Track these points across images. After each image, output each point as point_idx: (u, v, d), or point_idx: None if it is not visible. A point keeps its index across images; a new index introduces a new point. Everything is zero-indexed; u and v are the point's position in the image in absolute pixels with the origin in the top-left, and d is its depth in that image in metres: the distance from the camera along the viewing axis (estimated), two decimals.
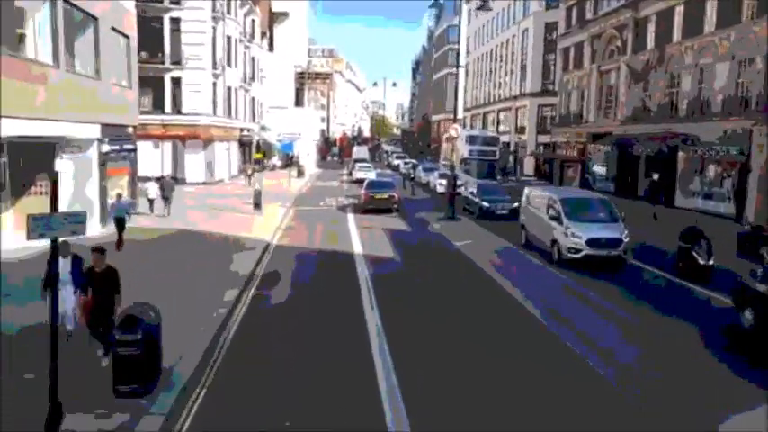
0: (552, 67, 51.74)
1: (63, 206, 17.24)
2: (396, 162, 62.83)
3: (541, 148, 50.89)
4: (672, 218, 24.15)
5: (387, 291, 13.33)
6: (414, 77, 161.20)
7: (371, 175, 43.11)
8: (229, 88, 42.04)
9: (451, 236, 20.81)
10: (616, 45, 36.91)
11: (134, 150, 23.77)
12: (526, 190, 20.74)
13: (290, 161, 58.53)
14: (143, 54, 35.48)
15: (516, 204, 24.06)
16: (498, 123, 63.67)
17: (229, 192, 34.14)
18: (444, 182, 34.27)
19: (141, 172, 27.32)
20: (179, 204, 25.60)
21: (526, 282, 14.54)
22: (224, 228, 21.29)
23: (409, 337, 10.37)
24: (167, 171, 36.14)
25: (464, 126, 74.94)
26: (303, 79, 68.86)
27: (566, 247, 15.97)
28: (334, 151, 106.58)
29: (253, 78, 51.58)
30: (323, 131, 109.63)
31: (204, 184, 36.81)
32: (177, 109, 36.19)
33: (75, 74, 17.93)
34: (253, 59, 51.63)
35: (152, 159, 35.38)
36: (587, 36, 40.66)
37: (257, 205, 25.15)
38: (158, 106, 36.21)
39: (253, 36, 51.28)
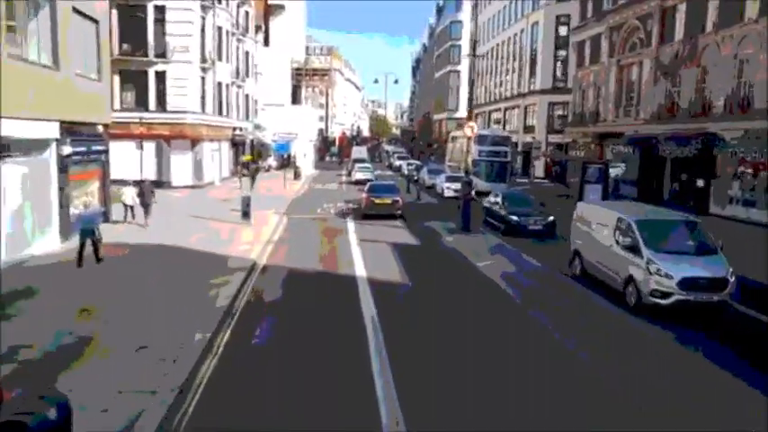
0: (564, 63, 48.93)
1: (5, 218, 14.42)
2: (397, 163, 59.98)
3: (551, 148, 48.07)
4: (715, 228, 21.31)
5: (400, 340, 10.23)
6: (414, 76, 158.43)
7: (371, 176, 42.36)
8: (220, 84, 39.17)
9: (470, 253, 17.91)
10: (638, 37, 34.05)
11: (105, 152, 20.90)
12: (579, 207, 16.76)
13: (286, 162, 55.70)
14: (125, 46, 32.71)
15: (552, 218, 21.20)
16: (505, 122, 60.81)
17: (218, 196, 31.24)
18: (453, 186, 31.68)
19: (123, 175, 24.82)
20: (160, 212, 22.77)
21: (602, 340, 10.40)
22: (206, 241, 18.45)
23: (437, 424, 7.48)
24: (151, 173, 33.30)
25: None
26: (300, 76, 65.97)
27: (648, 289, 11.95)
28: (333, 151, 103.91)
29: (246, 74, 48.69)
30: (321, 131, 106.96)
31: (192, 187, 33.93)
32: (162, 106, 33.31)
33: (23, 62, 15.06)
34: (246, 54, 48.73)
35: (134, 161, 32.47)
36: (605, 28, 37.81)
37: (246, 214, 22.28)
38: (142, 103, 33.32)
39: (247, 29, 48.38)
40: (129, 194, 22.31)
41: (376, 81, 67.40)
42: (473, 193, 26.98)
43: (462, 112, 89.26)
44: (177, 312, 11.01)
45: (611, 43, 37.03)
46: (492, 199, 24.21)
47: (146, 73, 33.01)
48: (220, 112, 39.58)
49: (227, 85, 41.45)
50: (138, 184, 23.53)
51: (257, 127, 50.31)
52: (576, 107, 42.79)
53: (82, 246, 14.69)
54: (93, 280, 13.31)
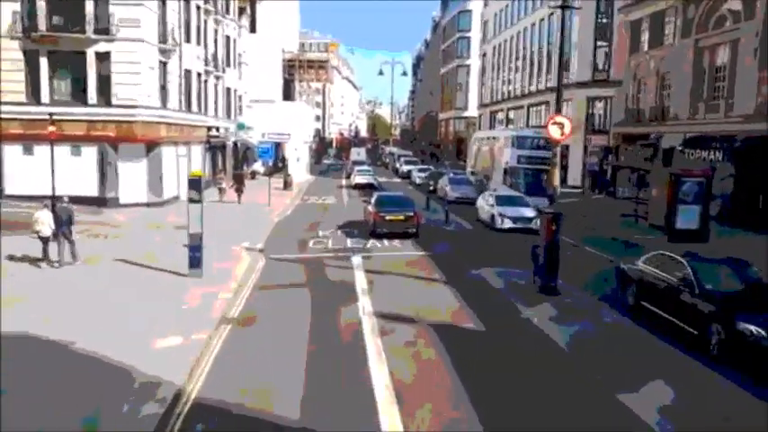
0: (606, 51, 41.05)
1: None
2: (405, 168, 51.89)
3: (598, 148, 40.03)
4: None
5: None
6: (414, 73, 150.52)
7: (372, 180, 40.03)
8: (188, 72, 31.17)
9: (600, 363, 9.53)
10: (729, 9, 26.19)
11: None
12: None
13: (277, 167, 47.76)
14: (56, 20, 24.71)
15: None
16: (528, 122, 52.86)
17: (178, 220, 23.27)
18: (513, 213, 22.67)
19: (56, 190, 17.49)
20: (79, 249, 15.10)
21: None
22: (108, 327, 10.47)
23: None
24: (91, 188, 25.38)
25: (481, 125, 64.27)
26: (293, 69, 57.88)
27: None
28: (330, 153, 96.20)
29: (227, 63, 40.71)
30: (318, 131, 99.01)
31: (147, 205, 25.93)
32: (105, 99, 25.28)
33: None
34: (228, 39, 40.75)
35: (70, 171, 24.62)
36: (672, 2, 29.97)
37: (194, 262, 14.26)
38: (78, 95, 25.32)
39: (227, 10, 40.41)
40: (47, 221, 15.16)
41: (380, 72, 58.13)
42: (536, 223, 19.16)
43: (472, 111, 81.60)
44: None
45: (684, 20, 29.12)
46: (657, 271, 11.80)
47: (83, 55, 24.97)
48: (189, 108, 31.56)
49: (200, 75, 33.45)
50: (54, 204, 16.11)
51: (241, 127, 42.31)
52: (629, 102, 34.89)
53: None
54: None
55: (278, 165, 49.20)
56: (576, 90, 42.38)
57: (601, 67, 41.61)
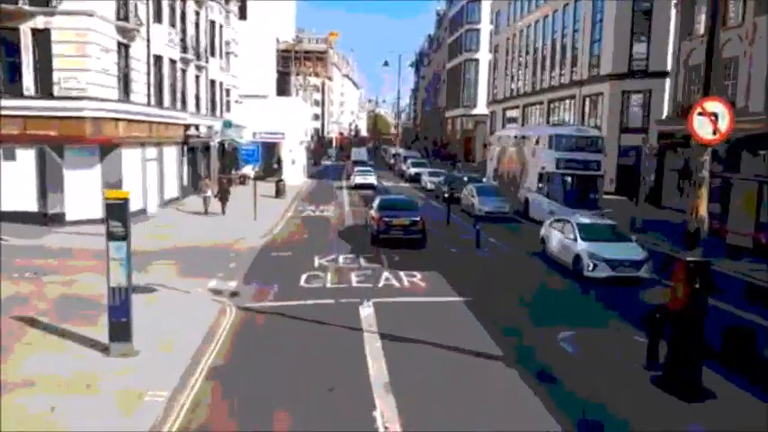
0: (646, 38, 35.90)
1: None
2: (412, 171, 46.75)
3: (651, 147, 34.74)
4: None
5: None
6: (416, 71, 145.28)
7: (373, 181, 39.20)
8: (159, 59, 26.02)
9: None
10: None
11: None
12: None
13: (273, 169, 42.74)
14: None
15: None
16: (549, 119, 47.72)
17: (138, 245, 18.21)
18: (597, 252, 14.90)
19: None
20: None
21: None
22: None
23: None
24: (29, 201, 20.28)
25: (496, 124, 59.00)
26: (289, 61, 52.60)
27: None
28: (330, 153, 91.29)
29: (211, 52, 35.57)
30: (317, 130, 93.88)
31: (103, 222, 20.70)
32: (45, 89, 20.09)
33: None
34: (212, 24, 35.58)
35: (2, 180, 19.61)
36: None
37: (119, 331, 9.10)
38: (11, 84, 20.13)
39: None
40: None
41: (386, 63, 53.17)
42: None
43: (482, 108, 76.47)
44: None
45: None
46: None
47: (15, 32, 19.77)
48: (161, 103, 26.42)
49: (175, 63, 28.28)
50: None
51: (228, 125, 37.16)
52: (679, 94, 29.73)
53: None
54: None
55: (273, 167, 44.19)
56: (611, 82, 37.22)
57: (638, 54, 36.41)
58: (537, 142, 25.84)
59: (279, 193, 32.88)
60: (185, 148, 30.36)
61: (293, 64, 51.96)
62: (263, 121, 42.35)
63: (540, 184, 24.74)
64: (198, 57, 32.53)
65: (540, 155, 25.02)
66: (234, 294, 12.96)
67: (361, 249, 18.33)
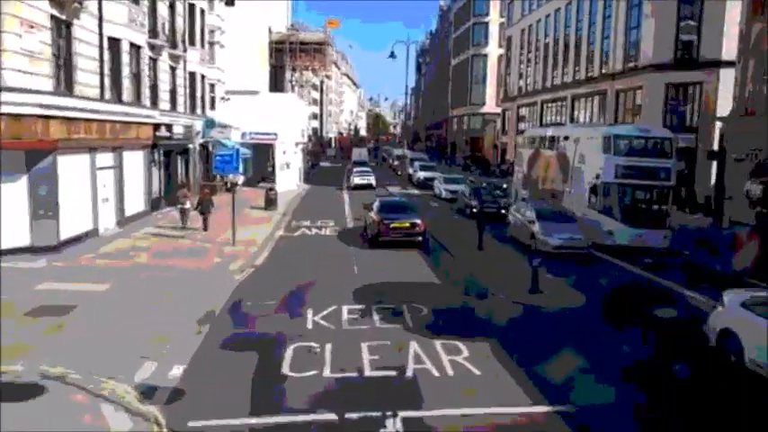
0: (695, 22, 30.87)
1: None
2: (420, 175, 41.71)
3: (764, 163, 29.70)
4: None
5: None
6: (417, 69, 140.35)
7: (372, 182, 38.90)
8: (116, 43, 20.99)
9: None
10: None
11: None
12: None
13: (265, 172, 37.93)
14: None
15: None
16: (572, 117, 42.77)
17: (67, 287, 13.28)
18: None
19: None
20: None
21: None
22: None
23: None
24: None
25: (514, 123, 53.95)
26: (283, 53, 47.47)
27: None
28: (329, 153, 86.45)
29: (192, 41, 30.61)
30: (316, 130, 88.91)
31: (34, 251, 15.85)
32: None
33: None
34: (192, 8, 30.61)
35: None
36: None
37: None
38: None
39: None
40: None
41: (392, 55, 47.79)
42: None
43: (491, 106, 71.60)
44: None
45: None
46: None
47: None
48: (120, 97, 21.38)
49: (140, 49, 23.24)
50: None
51: (211, 124, 32.15)
52: (750, 86, 24.74)
53: None
54: None
55: (268, 169, 39.36)
56: (654, 74, 32.18)
57: (685, 43, 31.38)
58: (586, 145, 20.75)
59: (269, 204, 27.89)
60: (158, 152, 25.41)
61: (288, 57, 46.84)
62: (253, 120, 37.48)
63: (593, 198, 19.70)
64: (174, 45, 27.58)
65: (592, 161, 19.99)
66: (172, 400, 7.94)
67: (374, 291, 13.39)
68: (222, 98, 36.38)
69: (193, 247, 18.51)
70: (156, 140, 24.19)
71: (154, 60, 25.31)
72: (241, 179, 37.39)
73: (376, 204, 20.46)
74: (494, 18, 71.55)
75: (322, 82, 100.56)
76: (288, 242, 20.61)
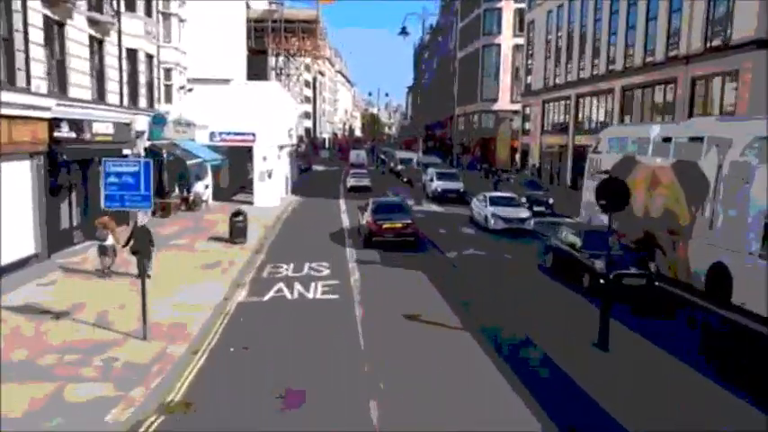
0: None
1: None
2: (437, 186, 33.28)
3: None
4: None
5: None
6: (416, 66, 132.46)
7: (367, 183, 38.41)
8: None
9: None
10: None
11: None
12: None
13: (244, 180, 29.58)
14: None
15: None
16: (622, 114, 34.57)
17: None
18: None
19: None
20: None
21: None
22: None
23: None
24: None
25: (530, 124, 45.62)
26: (264, 34, 38.84)
27: None
28: (323, 155, 78.50)
29: (132, 7, 22.18)
30: (308, 130, 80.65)
31: None
32: None
33: None
34: None
35: None
36: None
37: None
38: None
39: None
40: None
41: (403, 31, 38.79)
42: None
43: (505, 102, 63.47)
44: None
45: None
46: None
47: None
48: None
49: (25, 11, 14.79)
50: None
51: (159, 121, 23.68)
52: None
53: None
54: None
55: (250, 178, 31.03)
56: (753, 53, 23.96)
57: None
58: (737, 149, 12.43)
59: (235, 235, 19.42)
60: (63, 162, 16.96)
61: (270, 39, 38.26)
62: (225, 116, 29.18)
63: (752, 244, 11.40)
64: (98, 8, 19.19)
65: (759, 183, 11.71)
66: None
67: None
68: (182, 88, 27.92)
69: (66, 346, 10.10)
70: (51, 143, 15.73)
71: (59, 26, 16.93)
72: (204, 193, 29.05)
73: (371, 205, 20.84)
74: (507, 2, 63.50)
75: (315, 79, 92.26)
76: (249, 321, 12.11)
